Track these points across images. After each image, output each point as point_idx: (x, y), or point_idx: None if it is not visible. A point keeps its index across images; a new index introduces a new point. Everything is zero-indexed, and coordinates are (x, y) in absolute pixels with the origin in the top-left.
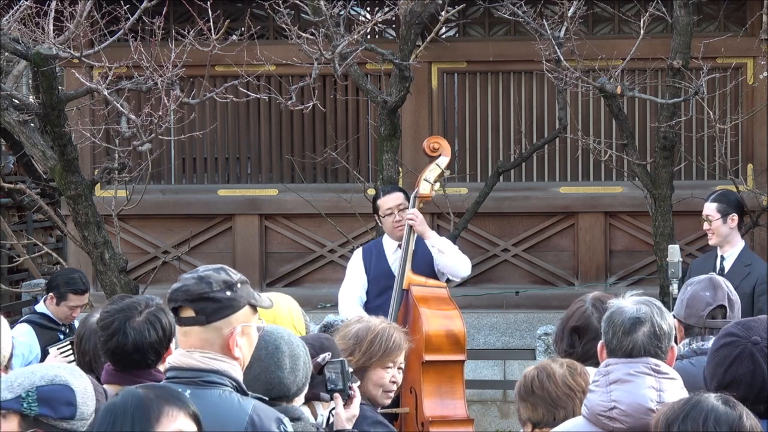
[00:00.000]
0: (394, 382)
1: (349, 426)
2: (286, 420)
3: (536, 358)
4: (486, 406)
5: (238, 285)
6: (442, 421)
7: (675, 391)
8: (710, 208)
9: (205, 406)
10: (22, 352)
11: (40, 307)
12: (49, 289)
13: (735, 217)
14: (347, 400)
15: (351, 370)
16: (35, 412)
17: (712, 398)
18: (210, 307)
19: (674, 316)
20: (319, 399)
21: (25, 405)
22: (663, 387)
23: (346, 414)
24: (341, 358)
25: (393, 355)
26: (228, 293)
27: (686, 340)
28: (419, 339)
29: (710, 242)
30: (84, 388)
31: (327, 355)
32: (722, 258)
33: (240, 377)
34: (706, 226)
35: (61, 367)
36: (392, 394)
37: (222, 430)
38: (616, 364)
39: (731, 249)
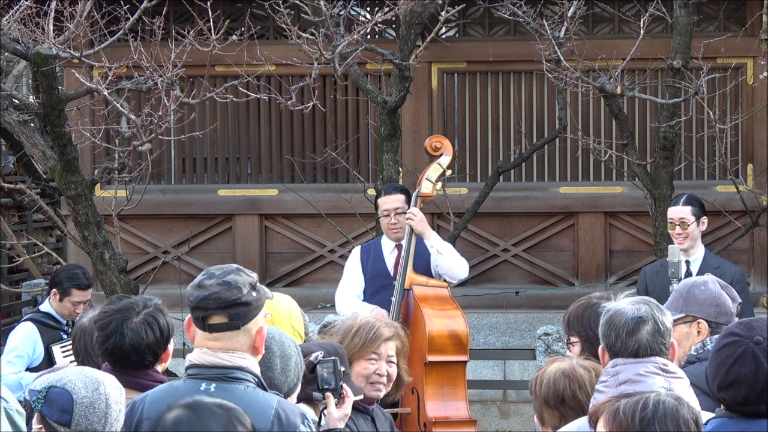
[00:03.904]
0: (380, 374)
1: (340, 425)
2: (309, 415)
3: (536, 358)
4: (486, 406)
5: (257, 283)
6: (445, 421)
7: (683, 390)
8: (686, 212)
9: (232, 400)
10: (27, 352)
11: (45, 307)
12: (52, 285)
13: (705, 220)
14: (339, 399)
15: (343, 369)
16: (38, 409)
17: (670, 397)
18: (242, 311)
19: (695, 316)
20: (312, 398)
21: (34, 399)
22: (672, 387)
23: (338, 413)
24: (333, 357)
25: (373, 345)
26: (254, 294)
27: (699, 344)
28: (422, 339)
29: (681, 247)
30: (91, 402)
31: (319, 354)
32: (688, 263)
33: (259, 372)
34: (678, 230)
35: (90, 375)
36: (381, 387)
37: None
38: (625, 364)
39: (696, 253)
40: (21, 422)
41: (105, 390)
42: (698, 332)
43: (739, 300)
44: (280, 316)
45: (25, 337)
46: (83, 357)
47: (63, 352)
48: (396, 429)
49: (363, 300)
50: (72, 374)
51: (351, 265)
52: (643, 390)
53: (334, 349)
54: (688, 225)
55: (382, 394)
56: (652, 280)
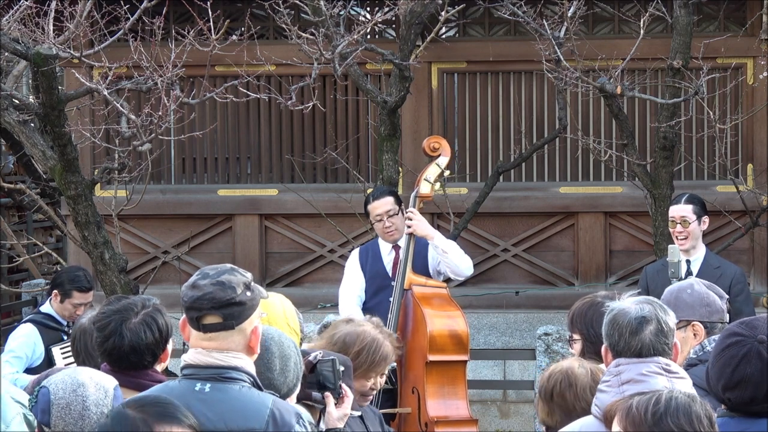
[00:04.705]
0: (373, 389)
1: (340, 425)
2: (304, 414)
3: (536, 358)
4: (486, 406)
5: (252, 283)
6: (446, 421)
7: (686, 390)
8: (687, 210)
9: (227, 399)
10: (26, 353)
11: (45, 308)
12: (54, 286)
13: (707, 219)
14: (338, 399)
15: (342, 369)
16: (30, 406)
17: (682, 395)
18: (236, 311)
19: (689, 320)
20: (311, 399)
21: (29, 398)
22: (675, 387)
23: (337, 413)
24: (332, 357)
25: (378, 368)
26: (248, 294)
27: (698, 347)
28: (422, 339)
29: (682, 246)
30: (68, 403)
31: (318, 354)
32: (689, 262)
33: (254, 372)
34: (679, 228)
35: (74, 376)
36: (371, 398)
37: (244, 422)
38: (627, 364)
39: (697, 253)
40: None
41: (84, 392)
42: (695, 335)
43: (727, 296)
44: (276, 315)
45: (25, 338)
46: (84, 357)
47: (63, 353)
48: (386, 425)
49: (364, 300)
50: (60, 375)
51: (350, 267)
52: (646, 390)
53: (343, 359)
54: (689, 223)
55: (368, 403)
56: (653, 279)
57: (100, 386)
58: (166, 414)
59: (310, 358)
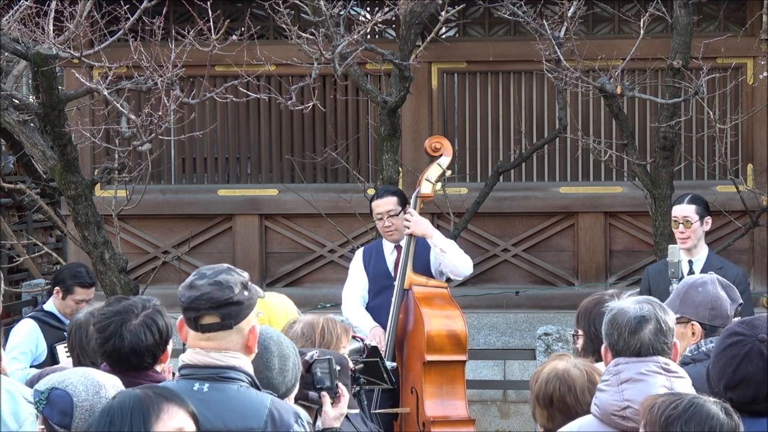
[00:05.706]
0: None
1: (336, 424)
2: (302, 414)
3: (536, 358)
4: (486, 406)
5: (249, 282)
6: (444, 421)
7: (685, 389)
8: (689, 210)
9: (225, 399)
10: (30, 349)
11: (48, 306)
12: (55, 283)
13: (709, 220)
14: (335, 398)
15: (338, 368)
16: (40, 410)
17: (712, 404)
18: (234, 310)
19: (689, 319)
20: (308, 399)
21: (37, 400)
22: (674, 386)
23: (334, 413)
24: (328, 357)
25: (344, 336)
26: (246, 293)
27: (693, 346)
28: (421, 339)
29: (684, 246)
30: (91, 405)
31: (315, 353)
32: (691, 262)
33: (252, 372)
34: (682, 228)
35: (92, 378)
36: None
37: (243, 422)
38: (626, 363)
39: (699, 253)
40: None
41: (106, 393)
42: (692, 333)
43: (740, 301)
44: (277, 315)
45: (27, 333)
46: (78, 352)
47: (67, 351)
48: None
49: (367, 301)
50: (74, 376)
51: (354, 267)
52: (645, 389)
53: (338, 358)
54: (692, 224)
55: None
56: (655, 279)
57: (117, 387)
58: (175, 396)
59: (306, 357)
